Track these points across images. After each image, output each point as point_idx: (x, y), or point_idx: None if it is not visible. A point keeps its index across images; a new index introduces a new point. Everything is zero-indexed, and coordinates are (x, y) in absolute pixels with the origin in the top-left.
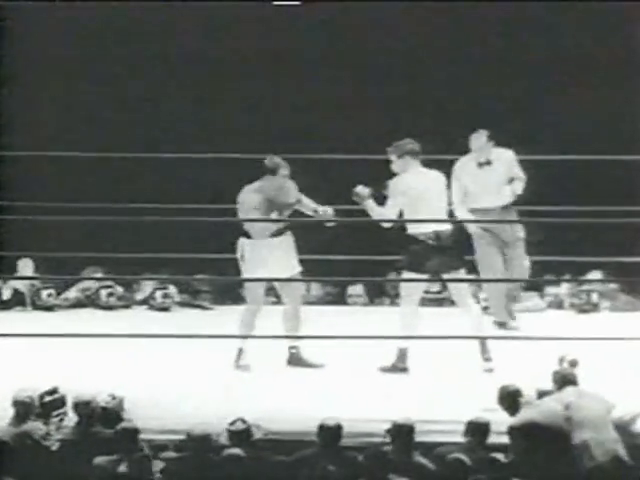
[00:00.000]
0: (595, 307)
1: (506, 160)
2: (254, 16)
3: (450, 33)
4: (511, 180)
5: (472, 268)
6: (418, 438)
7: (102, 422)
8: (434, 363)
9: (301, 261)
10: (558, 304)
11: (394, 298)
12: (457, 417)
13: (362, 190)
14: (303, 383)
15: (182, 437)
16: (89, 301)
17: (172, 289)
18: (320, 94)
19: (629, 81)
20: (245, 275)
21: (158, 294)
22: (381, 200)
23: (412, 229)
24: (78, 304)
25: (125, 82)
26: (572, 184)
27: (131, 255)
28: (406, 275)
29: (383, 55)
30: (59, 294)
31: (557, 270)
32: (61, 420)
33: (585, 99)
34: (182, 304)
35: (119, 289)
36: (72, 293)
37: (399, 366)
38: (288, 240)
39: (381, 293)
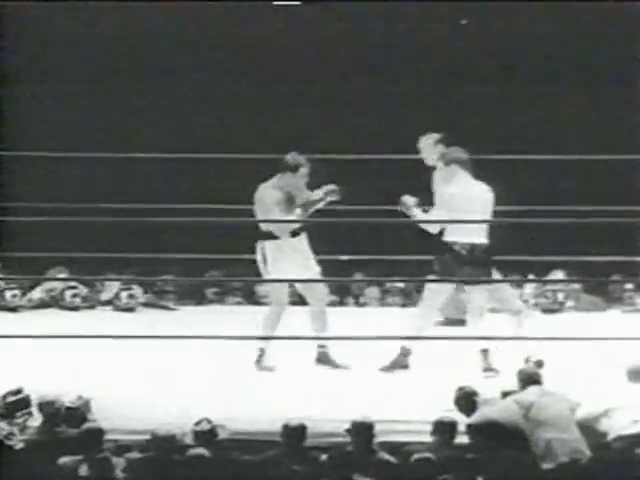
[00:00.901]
0: (561, 306)
1: None
2: (254, 16)
3: (449, 34)
4: None
5: None
6: (386, 438)
7: (67, 422)
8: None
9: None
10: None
11: (358, 298)
12: (424, 417)
13: (408, 200)
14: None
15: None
16: (53, 302)
17: (137, 289)
18: (320, 94)
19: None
20: (271, 277)
21: (123, 295)
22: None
23: (449, 237)
24: (42, 305)
25: (125, 82)
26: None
27: (95, 255)
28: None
29: (383, 55)
30: (24, 295)
31: (521, 270)
32: (25, 420)
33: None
34: (147, 305)
35: (84, 290)
36: (36, 294)
37: (400, 363)
38: (304, 240)
39: (346, 293)
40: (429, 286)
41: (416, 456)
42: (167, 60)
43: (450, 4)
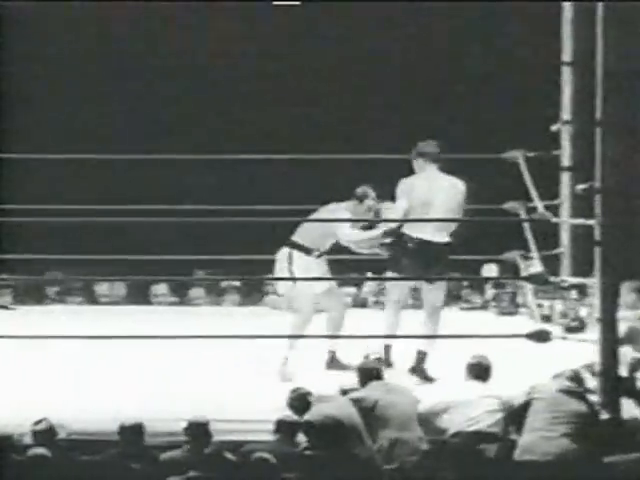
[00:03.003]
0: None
1: None
2: (254, 16)
3: (449, 34)
4: None
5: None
6: (227, 437)
7: None
8: None
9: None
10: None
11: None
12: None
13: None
14: None
15: None
16: None
17: None
18: (320, 94)
19: None
20: (299, 287)
21: None
22: None
23: (408, 230)
24: None
25: (123, 83)
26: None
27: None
28: (389, 274)
29: (383, 55)
30: None
31: None
32: None
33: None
34: None
35: None
36: None
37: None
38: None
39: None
40: (392, 283)
41: (256, 455)
42: (167, 60)
43: (450, 4)
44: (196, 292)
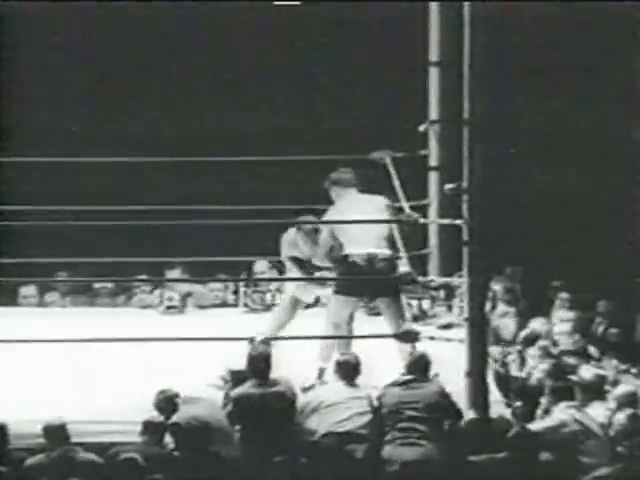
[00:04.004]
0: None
1: None
2: (254, 16)
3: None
4: None
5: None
6: (94, 439)
7: None
8: None
9: None
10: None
11: (64, 296)
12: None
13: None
14: None
15: None
16: None
17: None
18: (320, 94)
19: None
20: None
21: None
22: None
23: (349, 249)
24: None
25: (123, 83)
26: None
27: None
28: (338, 296)
29: (383, 55)
30: None
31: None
32: None
33: None
34: None
35: None
36: None
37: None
38: None
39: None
40: (333, 303)
41: (123, 456)
42: (167, 60)
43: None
44: (53, 295)
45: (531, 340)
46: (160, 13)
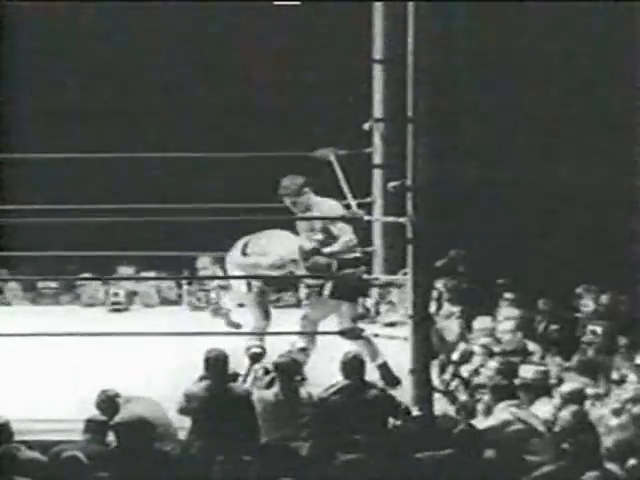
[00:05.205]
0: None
1: None
2: (254, 16)
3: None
4: None
5: None
6: (39, 437)
7: None
8: None
9: None
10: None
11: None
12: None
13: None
14: None
15: None
16: None
17: None
18: (319, 94)
19: None
20: None
21: None
22: None
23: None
24: None
25: (124, 83)
26: None
27: None
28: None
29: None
30: None
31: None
32: None
33: None
34: None
35: None
36: None
37: None
38: None
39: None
40: (322, 304)
41: (66, 454)
42: (167, 60)
43: (448, 4)
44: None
45: (465, 360)
46: (160, 13)
